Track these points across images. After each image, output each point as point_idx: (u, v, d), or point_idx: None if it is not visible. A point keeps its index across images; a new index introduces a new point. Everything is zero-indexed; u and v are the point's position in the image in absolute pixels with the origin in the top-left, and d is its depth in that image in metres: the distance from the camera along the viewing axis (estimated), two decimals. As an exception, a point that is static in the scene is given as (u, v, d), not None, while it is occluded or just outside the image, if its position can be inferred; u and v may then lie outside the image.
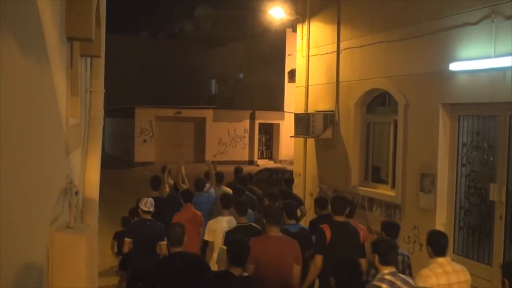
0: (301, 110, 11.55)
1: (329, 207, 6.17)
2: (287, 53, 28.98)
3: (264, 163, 28.48)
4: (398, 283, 4.09)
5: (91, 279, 3.48)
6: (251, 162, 29.82)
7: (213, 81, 40.14)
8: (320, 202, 7.08)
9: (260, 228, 5.75)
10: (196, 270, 4.80)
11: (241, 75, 35.54)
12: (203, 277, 4.65)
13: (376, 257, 4.27)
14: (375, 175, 9.76)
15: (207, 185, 8.33)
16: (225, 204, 6.59)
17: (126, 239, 6.66)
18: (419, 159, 8.17)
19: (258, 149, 30.92)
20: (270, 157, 31.11)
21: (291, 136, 12.09)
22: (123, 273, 7.96)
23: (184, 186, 8.29)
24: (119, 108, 30.04)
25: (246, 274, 4.37)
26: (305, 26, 11.64)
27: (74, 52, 4.12)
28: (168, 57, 40.17)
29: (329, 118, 10.51)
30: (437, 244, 4.60)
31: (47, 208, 3.00)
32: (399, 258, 5.44)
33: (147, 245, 6.49)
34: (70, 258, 3.02)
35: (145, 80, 38.91)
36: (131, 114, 28.61)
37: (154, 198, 7.23)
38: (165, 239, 6.14)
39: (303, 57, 11.67)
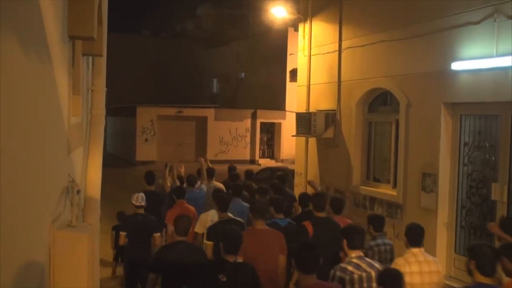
0: (302, 109, 11.54)
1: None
2: (288, 52, 28.95)
3: (265, 162, 28.46)
4: (364, 265, 4.46)
5: (92, 278, 3.49)
6: (252, 161, 29.81)
7: (215, 80, 40.13)
8: (301, 199, 7.21)
9: (242, 221, 6.14)
10: (197, 258, 5.12)
11: (243, 74, 35.52)
12: (202, 264, 5.00)
13: (345, 242, 4.65)
14: (377, 174, 9.76)
15: (199, 182, 8.71)
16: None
17: (121, 232, 7.05)
18: (421, 158, 8.17)
19: (260, 148, 30.90)
20: (271, 156, 31.10)
21: (292, 135, 12.08)
22: (116, 264, 8.72)
23: (178, 184, 8.72)
24: (120, 107, 30.06)
25: (240, 260, 4.70)
26: (307, 25, 11.64)
27: (76, 50, 4.12)
28: (169, 56, 40.18)
29: (331, 118, 10.50)
30: (413, 235, 4.90)
31: (49, 206, 3.00)
32: (388, 248, 5.66)
33: (140, 238, 6.87)
34: (72, 257, 3.03)
35: (147, 79, 38.93)
36: (132, 113, 28.62)
37: (149, 192, 7.85)
38: (158, 231, 6.85)
39: (305, 56, 11.67)
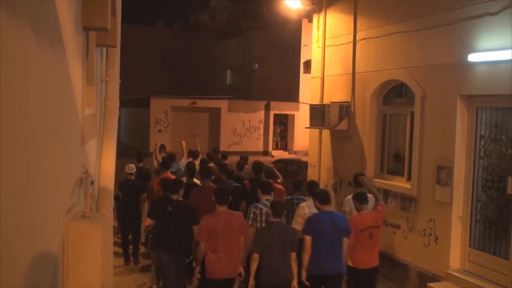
0: (316, 101, 11.48)
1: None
2: (302, 43, 28.81)
3: (278, 154, 28.45)
4: (269, 204, 6.43)
5: (106, 268, 3.51)
6: (265, 153, 29.82)
7: (228, 72, 40.11)
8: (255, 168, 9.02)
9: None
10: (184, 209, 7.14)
11: (256, 65, 35.45)
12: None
13: (259, 190, 7.08)
14: (391, 167, 9.68)
15: (182, 159, 11.45)
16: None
17: (118, 193, 9.05)
18: (436, 151, 8.09)
19: (273, 140, 30.89)
20: (285, 148, 31.08)
21: (306, 127, 12.02)
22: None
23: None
24: (134, 98, 30.17)
25: (180, 199, 6.99)
26: (321, 16, 11.54)
27: (90, 42, 4.13)
28: (183, 47, 40.20)
29: (345, 110, 10.43)
30: (310, 190, 7.49)
31: (63, 197, 3.02)
32: (301, 201, 7.59)
33: (130, 198, 9.14)
34: (86, 247, 3.04)
35: (161, 70, 39.01)
36: (146, 104, 28.72)
37: (139, 167, 10.43)
38: (144, 192, 9.27)
39: (319, 47, 11.59)
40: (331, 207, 6.72)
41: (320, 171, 11.46)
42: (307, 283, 6.37)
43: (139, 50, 35.65)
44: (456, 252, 7.76)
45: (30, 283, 2.18)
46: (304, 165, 13.05)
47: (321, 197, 6.56)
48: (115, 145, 5.10)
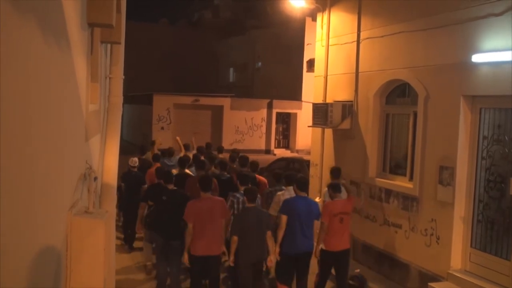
0: (319, 100, 11.47)
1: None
2: (306, 42, 28.75)
3: (281, 153, 28.44)
4: (243, 192, 7.46)
5: (109, 264, 3.52)
6: (267, 151, 29.81)
7: (231, 69, 40.09)
8: (241, 161, 10.20)
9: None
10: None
11: (259, 63, 35.42)
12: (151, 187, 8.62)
13: (238, 181, 8.06)
14: (393, 166, 9.68)
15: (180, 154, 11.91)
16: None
17: (121, 183, 9.76)
18: (438, 151, 8.08)
19: (275, 138, 30.87)
20: (287, 146, 31.06)
21: (308, 126, 12.01)
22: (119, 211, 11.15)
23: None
24: (137, 95, 30.17)
25: (174, 188, 7.81)
26: (325, 15, 11.53)
27: (94, 38, 4.13)
28: (186, 44, 40.17)
29: (348, 109, 10.43)
30: (277, 178, 8.84)
31: (66, 193, 3.03)
32: (285, 191, 8.11)
33: (132, 189, 9.92)
34: (89, 243, 3.05)
35: (164, 68, 38.99)
36: (149, 101, 28.72)
37: (142, 159, 11.34)
38: (145, 184, 9.79)
39: (323, 46, 11.57)
40: (306, 194, 7.62)
41: (323, 170, 11.46)
42: (278, 258, 7.23)
43: (142, 47, 35.64)
44: (458, 252, 7.76)
45: (33, 279, 2.19)
46: (306, 163, 13.05)
47: (300, 184, 7.46)
48: (118, 141, 5.11)
